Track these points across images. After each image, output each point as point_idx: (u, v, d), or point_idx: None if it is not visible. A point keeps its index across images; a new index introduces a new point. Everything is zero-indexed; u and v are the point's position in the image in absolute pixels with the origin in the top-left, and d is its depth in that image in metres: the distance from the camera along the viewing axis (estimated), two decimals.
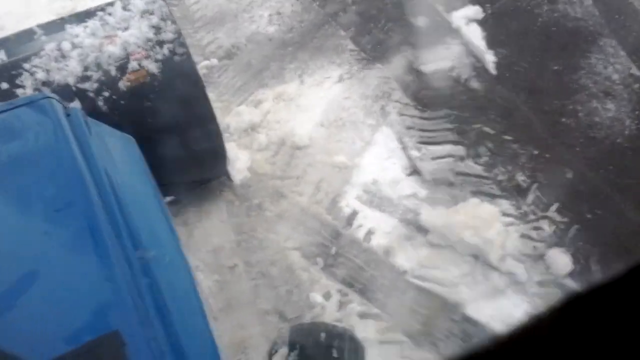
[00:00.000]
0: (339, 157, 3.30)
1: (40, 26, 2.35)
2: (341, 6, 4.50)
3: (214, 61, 4.19)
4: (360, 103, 3.66)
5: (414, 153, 3.23)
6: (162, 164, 1.98)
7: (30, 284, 1.20)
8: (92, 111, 1.94)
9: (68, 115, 1.51)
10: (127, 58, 2.19)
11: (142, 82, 2.18)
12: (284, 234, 2.97)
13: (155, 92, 2.22)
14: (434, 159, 3.19)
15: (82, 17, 2.35)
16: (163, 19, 2.33)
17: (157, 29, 2.29)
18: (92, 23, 2.29)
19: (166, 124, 2.33)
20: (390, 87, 3.72)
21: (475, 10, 4.13)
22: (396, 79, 3.78)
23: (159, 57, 2.24)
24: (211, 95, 3.84)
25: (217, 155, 2.77)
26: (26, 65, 2.15)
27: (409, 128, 3.42)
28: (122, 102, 2.15)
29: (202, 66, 4.06)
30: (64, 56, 2.18)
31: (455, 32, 4.05)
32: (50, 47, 2.20)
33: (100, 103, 2.17)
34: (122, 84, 2.17)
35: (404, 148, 3.29)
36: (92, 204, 1.33)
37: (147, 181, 1.75)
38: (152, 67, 2.21)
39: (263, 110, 3.71)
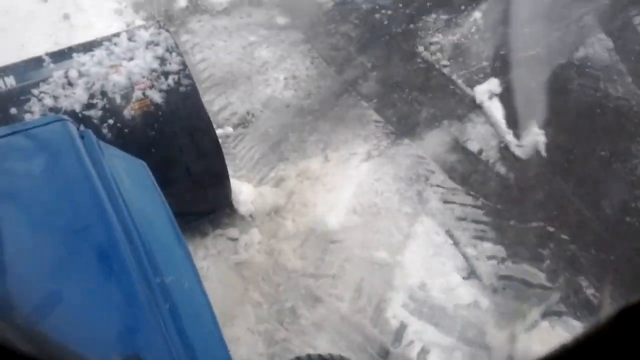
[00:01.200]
0: (379, 252, 2.91)
1: (49, 54, 2.32)
2: (360, 72, 4.15)
3: (229, 129, 3.78)
4: (394, 186, 3.29)
5: (470, 251, 2.85)
6: (166, 193, 1.89)
7: (54, 306, 1.16)
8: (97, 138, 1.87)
9: (82, 137, 1.47)
10: (131, 87, 2.18)
11: (145, 111, 2.16)
12: (323, 348, 2.54)
13: (159, 121, 2.19)
14: (489, 258, 2.81)
15: (89, 46, 2.34)
16: (168, 51, 2.31)
17: (163, 60, 2.27)
18: (99, 52, 2.29)
19: (170, 154, 2.30)
20: (427, 169, 3.36)
21: (496, 84, 3.83)
22: (435, 158, 3.42)
23: (164, 87, 2.22)
24: (228, 168, 3.46)
25: (222, 186, 2.73)
26: (34, 91, 2.16)
27: (460, 219, 3.05)
28: (125, 130, 2.12)
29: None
30: (70, 84, 2.18)
31: (479, 109, 3.74)
32: (58, 74, 2.21)
33: (105, 130, 2.15)
34: (127, 113, 2.14)
35: (456, 244, 2.91)
36: (110, 227, 1.28)
37: (160, 204, 1.69)
38: (157, 97, 2.19)
39: (286, 190, 3.31)
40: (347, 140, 3.63)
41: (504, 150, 3.41)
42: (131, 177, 1.63)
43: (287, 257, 2.96)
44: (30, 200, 1.30)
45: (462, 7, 4.56)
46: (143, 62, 2.24)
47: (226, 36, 4.54)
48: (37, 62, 2.30)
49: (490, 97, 3.72)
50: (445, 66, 4.09)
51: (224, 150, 3.57)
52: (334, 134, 3.69)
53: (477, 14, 4.43)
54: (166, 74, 2.25)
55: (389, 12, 4.61)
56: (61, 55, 2.33)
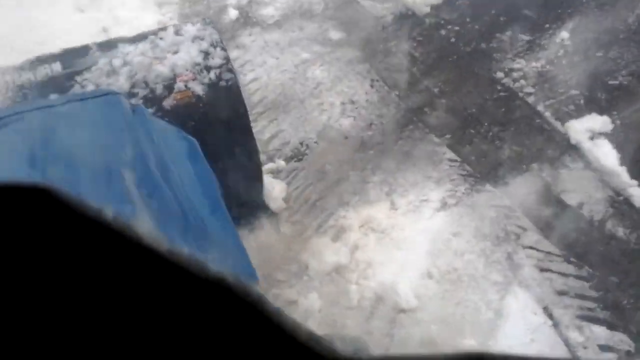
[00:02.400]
0: (466, 339, 2.32)
1: (96, 44, 2.30)
2: (427, 98, 3.55)
3: (281, 163, 3.23)
4: (477, 246, 2.69)
5: (574, 336, 2.25)
6: None
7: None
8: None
9: (133, 111, 1.47)
10: (174, 79, 2.16)
11: (187, 102, 2.14)
12: None
13: (199, 113, 2.16)
14: (603, 348, 2.21)
15: (135, 39, 2.31)
16: (213, 45, 2.28)
17: (206, 54, 2.24)
18: (145, 44, 2.26)
19: (208, 147, 2.11)
20: (517, 225, 2.76)
21: (602, 122, 3.19)
22: (525, 211, 2.82)
23: (206, 80, 2.19)
24: (282, 214, 2.92)
25: (254, 182, 2.67)
26: (78, 78, 2.15)
27: (561, 293, 2.44)
28: (166, 119, 2.02)
29: (266, 169, 3.11)
30: (114, 72, 2.17)
31: (575, 151, 3.11)
32: (102, 62, 2.20)
33: None
34: (167, 103, 2.12)
35: (555, 325, 2.31)
36: (163, 196, 1.28)
37: (209, 181, 1.66)
38: (198, 89, 2.16)
39: (349, 244, 2.75)
40: (416, 183, 3.04)
41: (621, 204, 2.78)
42: (181, 152, 1.62)
43: (350, 331, 2.41)
44: (83, 168, 1.25)
45: (547, 26, 3.92)
46: (187, 55, 2.22)
47: (278, 52, 4.00)
48: (84, 50, 2.27)
49: (593, 137, 3.08)
50: (529, 94, 3.47)
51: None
52: (400, 174, 3.11)
53: (564, 34, 3.79)
54: (209, 68, 2.21)
55: (456, 28, 4.00)
56: (108, 45, 2.30)
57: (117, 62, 2.21)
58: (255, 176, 2.60)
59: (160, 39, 2.30)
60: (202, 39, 2.31)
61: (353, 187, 3.07)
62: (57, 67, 2.22)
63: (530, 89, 3.49)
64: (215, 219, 1.54)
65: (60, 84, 2.16)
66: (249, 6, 4.36)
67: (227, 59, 2.29)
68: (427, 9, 4.11)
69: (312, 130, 3.44)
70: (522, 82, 3.55)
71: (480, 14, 4.05)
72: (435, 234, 2.74)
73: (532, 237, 2.69)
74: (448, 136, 3.27)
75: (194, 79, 2.18)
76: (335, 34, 4.10)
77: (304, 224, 2.91)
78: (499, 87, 3.55)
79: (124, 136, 1.36)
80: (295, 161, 3.27)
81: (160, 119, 1.74)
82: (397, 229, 2.80)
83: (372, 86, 3.67)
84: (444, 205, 2.89)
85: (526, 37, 3.86)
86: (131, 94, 2.14)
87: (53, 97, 2.03)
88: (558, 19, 3.96)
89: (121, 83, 2.16)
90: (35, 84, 2.16)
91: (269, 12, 4.31)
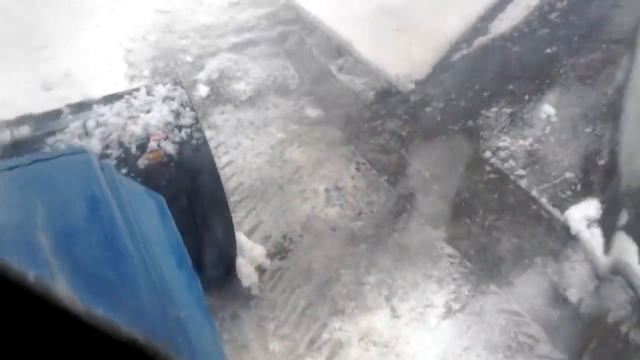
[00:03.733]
0: None
1: (69, 105, 2.29)
2: (418, 184, 3.34)
3: (265, 262, 2.93)
4: (490, 359, 2.44)
5: None
6: None
7: None
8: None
9: (102, 169, 1.44)
10: (147, 138, 2.18)
11: (159, 161, 2.16)
12: None
13: (170, 172, 2.19)
14: None
15: (109, 99, 2.34)
16: (183, 105, 2.32)
17: (177, 114, 2.29)
18: (118, 105, 2.28)
19: (180, 204, 2.24)
20: (528, 334, 2.53)
21: (595, 208, 3.04)
22: (534, 315, 2.60)
23: (177, 139, 2.22)
24: (268, 326, 2.61)
25: (226, 244, 2.61)
26: (49, 140, 2.12)
27: None
28: (138, 179, 2.09)
29: (246, 274, 2.79)
30: (87, 134, 2.16)
31: (576, 242, 2.94)
32: (74, 124, 2.18)
33: None
34: (141, 162, 2.14)
35: None
36: (127, 257, 1.26)
37: (175, 239, 1.66)
38: (170, 148, 2.19)
39: None
40: (416, 284, 2.79)
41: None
42: (148, 209, 1.62)
43: None
44: (50, 227, 1.23)
45: (526, 97, 3.80)
46: (159, 114, 2.26)
47: (253, 132, 3.75)
48: (55, 113, 2.26)
49: (589, 225, 2.92)
50: (521, 177, 3.30)
51: (258, 294, 2.79)
52: (397, 273, 2.85)
53: (548, 109, 3.67)
54: (180, 127, 2.25)
55: (440, 105, 3.84)
56: (81, 107, 2.29)
57: (90, 124, 2.20)
58: (227, 227, 2.57)
59: (135, 98, 2.34)
60: (173, 99, 2.35)
61: (347, 290, 2.80)
62: (23, 130, 2.16)
63: (521, 171, 3.33)
64: (182, 275, 1.57)
65: (27, 147, 2.11)
66: (219, 81, 4.12)
67: (197, 119, 2.32)
68: (412, 85, 3.95)
69: (295, 222, 3.17)
70: (511, 162, 3.39)
71: (463, 88, 3.92)
72: (445, 349, 2.48)
73: (545, 347, 2.46)
74: (444, 227, 3.04)
75: (165, 138, 2.21)
76: (312, 112, 3.89)
77: (295, 340, 2.60)
78: (488, 169, 3.38)
79: (72, 196, 1.35)
80: (279, 259, 2.99)
81: (127, 178, 1.75)
82: (401, 341, 2.53)
83: (358, 170, 3.44)
84: (449, 311, 2.64)
85: (508, 110, 3.73)
86: (104, 155, 2.14)
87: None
88: (538, 91, 3.86)
89: (94, 144, 2.16)
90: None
91: (241, 87, 4.08)
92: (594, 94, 3.75)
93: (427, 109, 3.80)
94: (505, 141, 3.50)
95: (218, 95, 4.01)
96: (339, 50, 4.34)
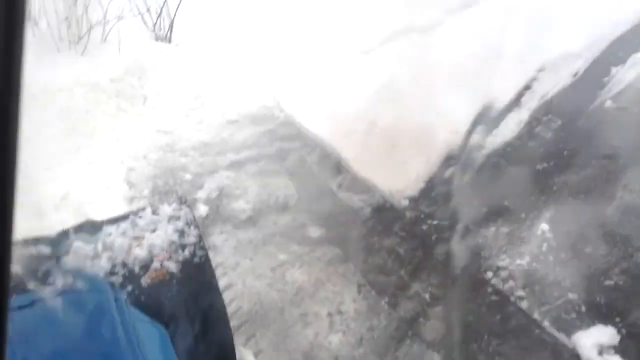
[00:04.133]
0: None
1: (77, 226, 2.31)
2: (418, 306, 3.32)
3: None
4: None
5: None
6: None
7: None
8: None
9: (116, 300, 1.50)
10: (151, 259, 2.21)
11: (162, 280, 2.17)
12: None
13: (172, 290, 2.19)
14: None
15: (116, 219, 2.36)
16: (187, 224, 2.36)
17: (181, 233, 2.31)
18: (125, 224, 2.33)
19: (182, 322, 2.20)
20: None
21: (609, 334, 3.01)
22: None
23: (180, 258, 2.24)
24: None
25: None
26: (63, 261, 2.08)
27: None
28: (142, 297, 2.09)
29: None
30: (96, 254, 2.18)
31: None
32: (84, 245, 2.18)
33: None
34: (144, 281, 2.15)
35: None
36: None
37: None
38: (173, 267, 2.21)
39: None
40: None
41: None
42: (152, 341, 1.66)
43: None
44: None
45: (523, 215, 3.87)
46: (164, 234, 2.29)
47: (252, 252, 3.76)
48: (65, 233, 2.26)
49: (602, 352, 2.88)
50: (521, 298, 3.29)
51: None
52: None
53: (544, 227, 3.72)
54: (183, 246, 2.27)
55: (435, 222, 3.90)
56: (89, 227, 2.32)
57: (98, 245, 2.25)
58: (228, 345, 2.48)
59: (140, 217, 2.38)
60: (178, 219, 2.39)
61: None
62: (42, 249, 2.17)
63: (520, 292, 3.33)
64: None
65: (44, 268, 2.07)
66: (219, 199, 4.18)
67: (200, 237, 2.35)
68: (406, 202, 4.02)
69: (297, 350, 3.11)
70: (511, 282, 3.40)
71: (458, 205, 3.99)
72: None
73: None
74: (447, 353, 2.99)
75: (169, 258, 2.23)
76: (313, 230, 3.93)
77: None
78: (489, 290, 3.37)
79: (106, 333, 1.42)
80: None
81: (134, 308, 1.79)
82: None
83: (359, 292, 3.43)
84: None
85: (506, 229, 3.78)
86: (112, 273, 2.18)
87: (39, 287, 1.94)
88: (534, 208, 3.93)
89: (103, 264, 2.19)
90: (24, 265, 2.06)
91: (240, 205, 4.13)
92: (590, 210, 3.82)
93: (424, 227, 3.85)
94: (504, 260, 3.52)
95: (217, 214, 4.06)
96: (338, 167, 4.45)
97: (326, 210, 4.08)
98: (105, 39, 5.39)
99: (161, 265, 2.23)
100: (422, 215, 3.94)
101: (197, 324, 2.32)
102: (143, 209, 2.47)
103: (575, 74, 5.56)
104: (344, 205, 4.10)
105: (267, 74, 5.69)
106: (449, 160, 4.45)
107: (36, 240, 2.29)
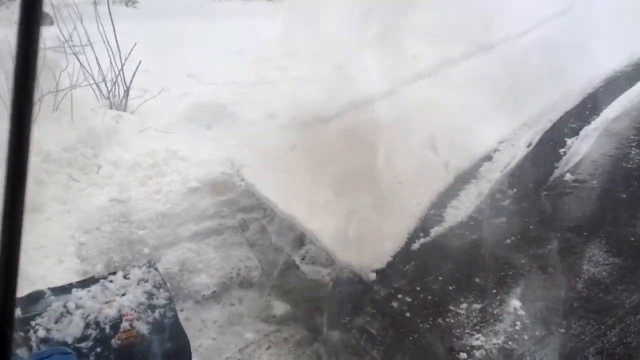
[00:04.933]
0: None
1: (50, 288, 2.40)
2: None
3: None
4: None
5: None
6: None
7: None
8: None
9: None
10: (120, 318, 2.27)
11: (132, 341, 2.22)
12: None
13: (142, 351, 2.22)
14: None
15: (87, 283, 2.45)
16: (156, 287, 2.43)
17: (150, 295, 2.39)
18: (95, 288, 2.40)
19: None
20: None
21: None
22: None
23: (150, 319, 2.29)
24: None
25: None
26: (33, 323, 2.21)
27: None
28: (111, 357, 2.14)
29: None
30: (65, 316, 2.25)
31: None
32: (56, 305, 2.28)
33: (92, 359, 2.19)
34: (114, 342, 2.21)
35: None
36: None
37: None
38: (142, 328, 2.25)
39: None
40: None
41: None
42: None
43: None
44: None
45: (494, 291, 3.83)
46: (133, 296, 2.36)
47: (216, 333, 3.54)
48: (39, 294, 2.37)
49: None
50: None
51: None
52: None
53: (515, 303, 3.69)
54: (153, 308, 2.33)
55: (407, 298, 3.81)
56: (61, 290, 2.40)
57: (70, 305, 2.30)
58: None
59: (110, 281, 2.43)
60: (147, 281, 2.45)
61: None
62: (17, 311, 2.23)
63: None
64: None
65: (20, 328, 2.22)
66: (180, 275, 3.97)
67: (171, 299, 2.40)
68: (373, 275, 3.93)
69: None
70: None
71: (428, 280, 3.92)
72: None
73: None
74: None
75: (138, 319, 2.27)
76: (278, 307, 3.76)
77: None
78: None
79: None
80: None
81: None
82: None
83: None
84: None
85: (478, 306, 3.72)
86: (84, 336, 2.23)
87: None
88: (503, 283, 3.91)
89: (75, 323, 2.24)
90: None
91: (202, 280, 3.94)
92: (559, 285, 3.83)
93: (394, 304, 3.75)
94: (478, 339, 3.44)
95: (178, 289, 3.84)
96: (302, 239, 4.34)
97: (291, 284, 3.94)
98: (57, 107, 5.21)
99: (130, 325, 2.28)
100: (391, 291, 3.85)
101: None
102: (114, 272, 2.54)
103: (529, 145, 5.75)
104: (309, 279, 3.96)
105: (225, 141, 5.61)
106: (414, 233, 4.43)
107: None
